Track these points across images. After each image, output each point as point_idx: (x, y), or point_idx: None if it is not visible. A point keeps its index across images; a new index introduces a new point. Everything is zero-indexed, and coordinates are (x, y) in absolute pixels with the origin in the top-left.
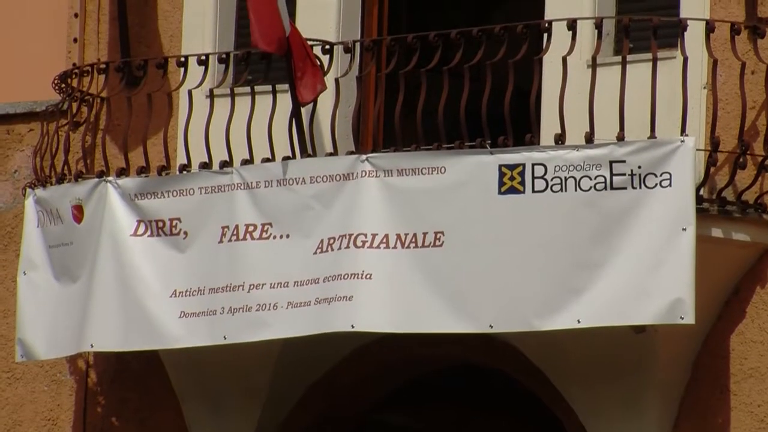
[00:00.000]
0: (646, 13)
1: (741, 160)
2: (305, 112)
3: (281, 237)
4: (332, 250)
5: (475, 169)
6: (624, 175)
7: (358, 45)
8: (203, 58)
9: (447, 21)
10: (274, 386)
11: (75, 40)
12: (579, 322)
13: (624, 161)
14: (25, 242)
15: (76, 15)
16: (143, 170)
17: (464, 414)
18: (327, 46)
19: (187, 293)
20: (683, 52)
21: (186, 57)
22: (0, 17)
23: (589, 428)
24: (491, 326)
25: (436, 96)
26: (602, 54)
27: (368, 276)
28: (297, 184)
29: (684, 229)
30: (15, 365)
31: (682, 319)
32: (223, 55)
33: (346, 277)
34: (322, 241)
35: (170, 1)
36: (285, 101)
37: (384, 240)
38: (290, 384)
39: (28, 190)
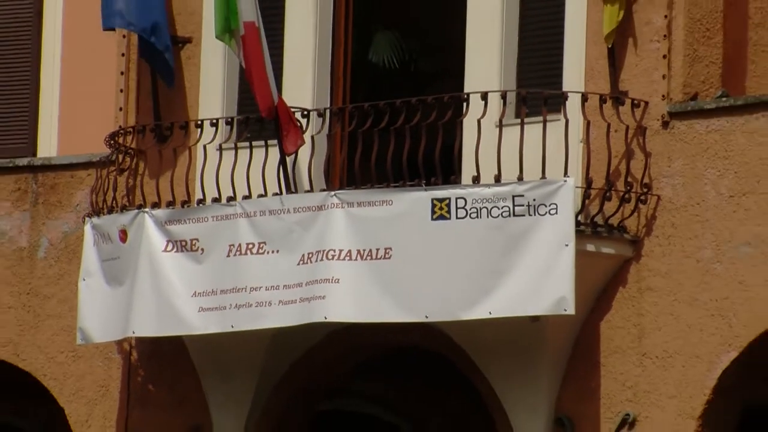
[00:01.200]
0: (538, 87)
1: (607, 194)
2: (289, 160)
3: (273, 252)
4: (311, 262)
5: (414, 201)
6: (523, 206)
7: (327, 111)
8: (214, 121)
9: (395, 88)
10: (267, 363)
11: (120, 108)
12: (490, 313)
13: (523, 195)
14: (84, 257)
15: (121, 90)
16: (171, 203)
17: (417, 385)
18: (305, 112)
19: (204, 294)
20: (565, 116)
21: (201, 121)
22: (66, 92)
23: (497, 391)
24: (426, 316)
25: (385, 148)
26: (506, 117)
27: (337, 280)
28: (284, 213)
29: (566, 245)
30: (78, 347)
31: (566, 311)
32: (229, 119)
33: (320, 281)
34: (303, 255)
35: (189, 79)
36: (274, 152)
37: (348, 254)
38: (279, 361)
39: (87, 218)
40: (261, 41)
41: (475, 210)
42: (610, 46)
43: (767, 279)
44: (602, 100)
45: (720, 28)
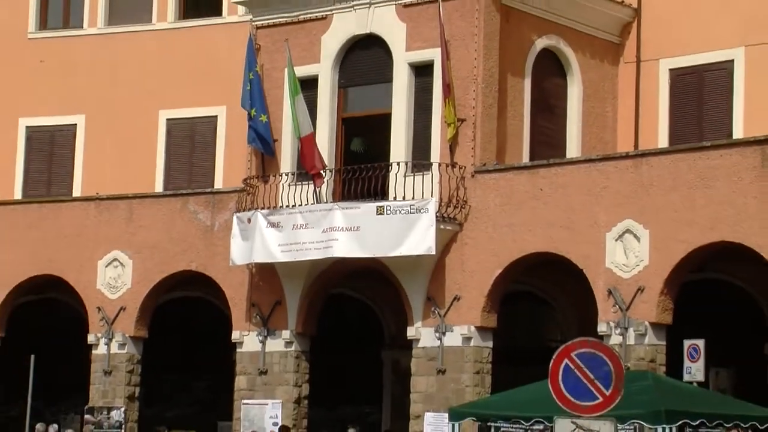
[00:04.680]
0: (424, 159)
1: (450, 203)
2: (316, 189)
3: (312, 227)
4: (326, 231)
5: (366, 212)
6: (417, 211)
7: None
8: (288, 172)
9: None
10: (309, 271)
11: (248, 168)
12: (401, 252)
13: (414, 206)
14: (233, 229)
15: (249, 160)
16: (267, 207)
17: (376, 281)
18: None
19: (281, 245)
20: (431, 171)
21: (283, 173)
22: (228, 162)
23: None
24: (373, 253)
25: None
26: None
27: (336, 239)
28: (315, 212)
29: (431, 225)
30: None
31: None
32: (293, 172)
33: (330, 240)
34: (324, 228)
35: (276, 154)
36: (311, 187)
37: (341, 228)
38: (314, 271)
39: (235, 213)
40: (314, 141)
41: (390, 211)
42: (449, 141)
43: None
44: (447, 165)
45: (495, 131)
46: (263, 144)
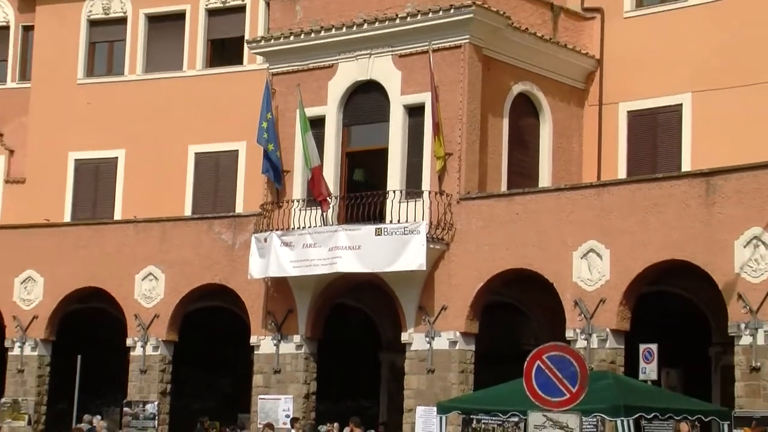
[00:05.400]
0: (416, 188)
1: (439, 226)
2: (323, 213)
3: (319, 246)
4: (331, 250)
5: (366, 234)
6: (410, 232)
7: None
8: (298, 198)
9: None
10: (317, 284)
11: (265, 196)
12: (398, 269)
13: (408, 227)
14: (251, 248)
15: (266, 188)
16: (281, 229)
17: (374, 294)
18: (332, 195)
19: (293, 261)
20: (423, 198)
21: (294, 199)
22: (248, 190)
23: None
24: (372, 269)
25: (361, 212)
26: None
27: (341, 257)
28: (322, 233)
29: (422, 245)
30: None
31: (422, 267)
32: (302, 199)
33: (335, 258)
34: (330, 247)
35: (288, 184)
36: (318, 211)
37: (345, 247)
38: (320, 284)
39: (253, 234)
40: (321, 172)
41: (387, 232)
42: (438, 172)
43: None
44: (436, 193)
45: (477, 163)
46: (274, 174)
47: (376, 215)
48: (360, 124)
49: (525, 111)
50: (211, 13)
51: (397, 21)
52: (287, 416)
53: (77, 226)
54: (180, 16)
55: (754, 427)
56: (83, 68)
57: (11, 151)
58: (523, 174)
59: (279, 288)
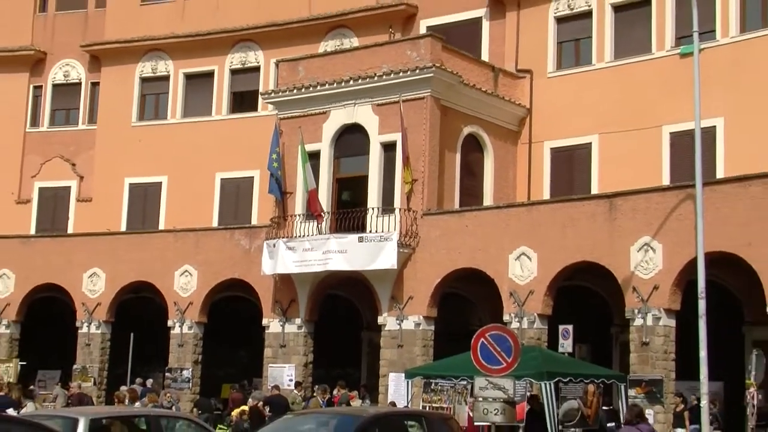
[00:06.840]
0: (391, 206)
1: (407, 233)
2: (318, 224)
3: (314, 249)
4: (325, 253)
5: (351, 241)
6: (384, 239)
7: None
8: (299, 213)
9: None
10: (313, 279)
11: (274, 210)
12: (373, 268)
13: (383, 234)
14: (263, 252)
15: (275, 206)
16: (287, 237)
17: (360, 290)
18: (325, 212)
19: (295, 261)
20: (395, 212)
21: (296, 214)
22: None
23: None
24: (357, 267)
25: (347, 222)
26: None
27: (332, 258)
28: (317, 239)
29: (394, 249)
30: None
31: (394, 266)
32: (301, 213)
33: (327, 259)
34: (324, 250)
35: (290, 203)
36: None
37: (337, 251)
38: (315, 279)
39: (265, 240)
40: (317, 193)
41: (367, 239)
42: (407, 194)
43: None
44: (405, 210)
45: (437, 188)
46: (279, 192)
47: (359, 226)
48: (347, 157)
49: (473, 148)
50: (234, 72)
51: (375, 78)
52: (290, 380)
53: (130, 235)
54: (210, 74)
55: (643, 387)
56: (136, 114)
57: (81, 177)
58: (472, 195)
59: (284, 282)
